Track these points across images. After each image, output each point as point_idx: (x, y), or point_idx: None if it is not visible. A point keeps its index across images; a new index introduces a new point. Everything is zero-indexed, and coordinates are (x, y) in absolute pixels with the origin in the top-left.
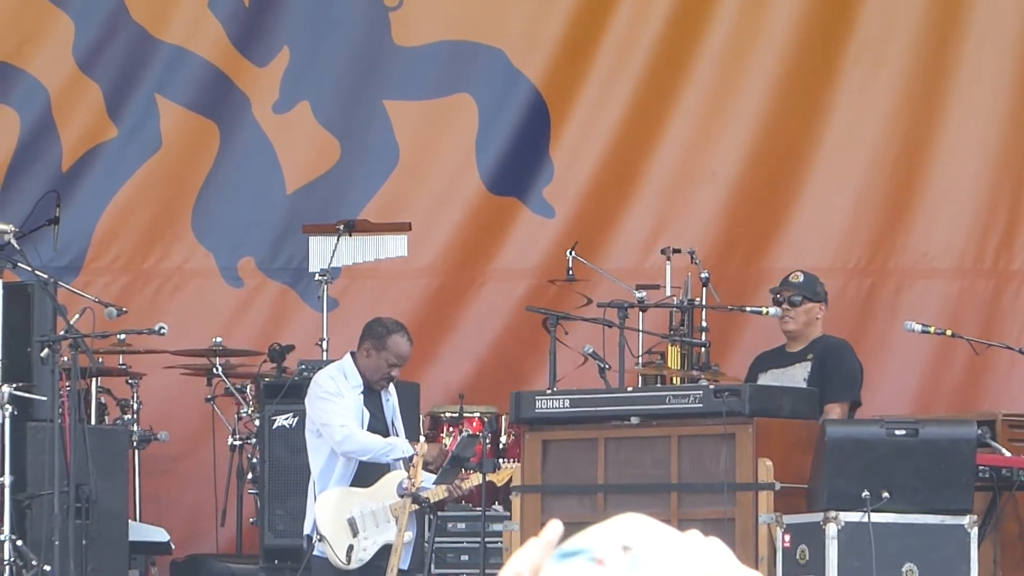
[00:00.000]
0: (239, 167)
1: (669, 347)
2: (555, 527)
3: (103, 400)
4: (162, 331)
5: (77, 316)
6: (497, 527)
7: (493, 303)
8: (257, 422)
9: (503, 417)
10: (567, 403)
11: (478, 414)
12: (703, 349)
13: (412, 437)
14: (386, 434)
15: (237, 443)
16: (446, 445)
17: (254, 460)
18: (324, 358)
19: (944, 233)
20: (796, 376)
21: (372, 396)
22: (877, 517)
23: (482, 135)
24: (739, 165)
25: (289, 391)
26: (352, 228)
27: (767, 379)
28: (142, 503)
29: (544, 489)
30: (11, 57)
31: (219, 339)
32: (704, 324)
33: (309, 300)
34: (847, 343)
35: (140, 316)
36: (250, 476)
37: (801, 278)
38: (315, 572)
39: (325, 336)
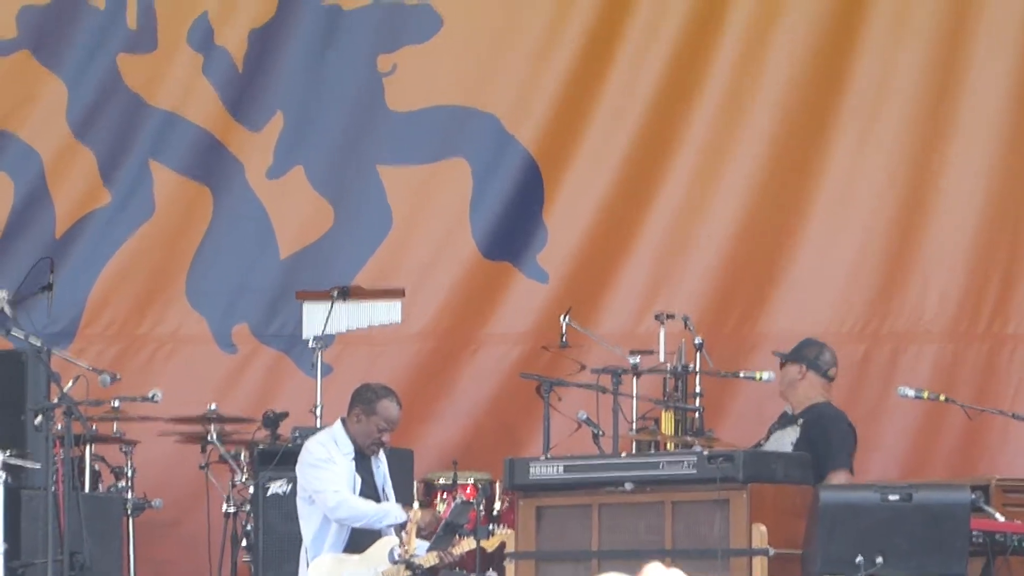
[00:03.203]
0: (233, 233)
1: (663, 413)
2: None
3: (97, 467)
4: (156, 398)
5: (71, 383)
6: None
7: (486, 368)
8: (251, 489)
9: (497, 483)
10: (561, 469)
11: (472, 480)
12: (697, 415)
13: (406, 503)
14: (377, 500)
15: (231, 510)
16: (440, 511)
17: (248, 527)
18: (318, 425)
19: (938, 297)
20: (785, 440)
21: (363, 462)
22: None
23: (475, 200)
24: (732, 230)
25: (283, 458)
26: (346, 294)
27: (771, 440)
28: (136, 570)
29: (538, 555)
30: (4, 122)
31: (213, 406)
32: (698, 390)
33: (303, 366)
34: (841, 412)
35: (134, 383)
36: (244, 543)
37: (800, 341)
38: None
39: (319, 403)
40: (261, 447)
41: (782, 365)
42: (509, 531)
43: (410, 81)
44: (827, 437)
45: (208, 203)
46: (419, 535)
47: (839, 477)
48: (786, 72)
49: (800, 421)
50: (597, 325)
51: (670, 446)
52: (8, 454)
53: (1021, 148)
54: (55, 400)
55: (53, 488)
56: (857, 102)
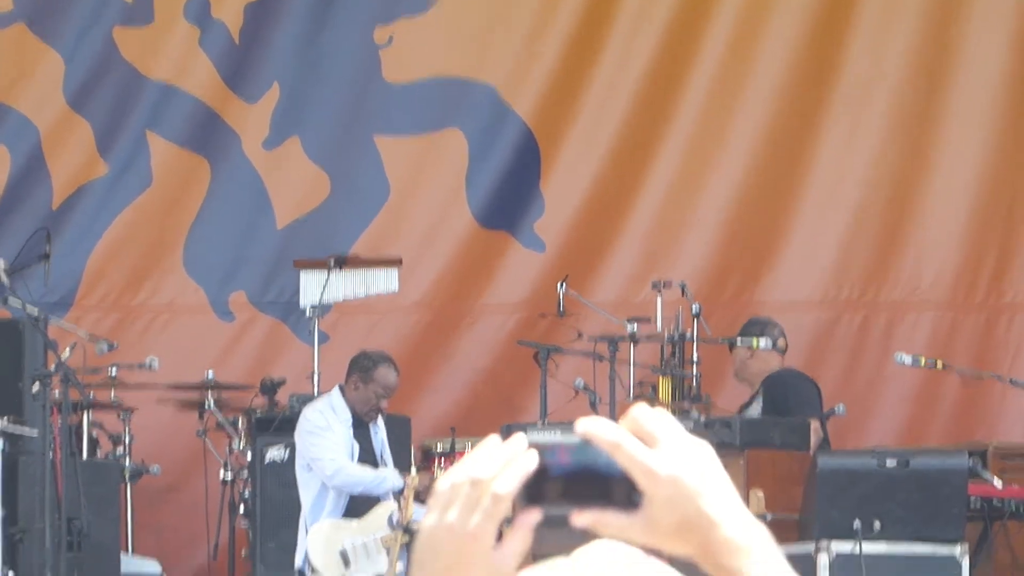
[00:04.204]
0: (229, 203)
1: (660, 380)
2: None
3: (95, 434)
4: (153, 365)
5: (68, 351)
6: None
7: (484, 337)
8: (249, 456)
9: None
10: (558, 436)
11: (469, 447)
12: (694, 382)
13: (404, 470)
14: (375, 467)
15: (229, 477)
16: (437, 476)
17: (246, 493)
18: (315, 392)
19: (935, 266)
20: (752, 416)
21: (361, 429)
22: (869, 547)
23: (472, 170)
24: (729, 198)
25: (280, 425)
26: (343, 263)
27: None
28: (134, 536)
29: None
30: (1, 95)
31: (211, 373)
32: (695, 357)
33: (300, 334)
34: (793, 370)
35: (131, 351)
36: (242, 509)
37: (744, 323)
38: None
39: (316, 370)
40: (258, 414)
41: (731, 350)
42: None
43: (407, 52)
44: (786, 395)
45: (205, 174)
46: (417, 500)
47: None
48: (783, 44)
49: (760, 392)
50: (594, 293)
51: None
52: (6, 421)
53: (1017, 118)
54: (52, 368)
55: (51, 455)
56: (855, 71)
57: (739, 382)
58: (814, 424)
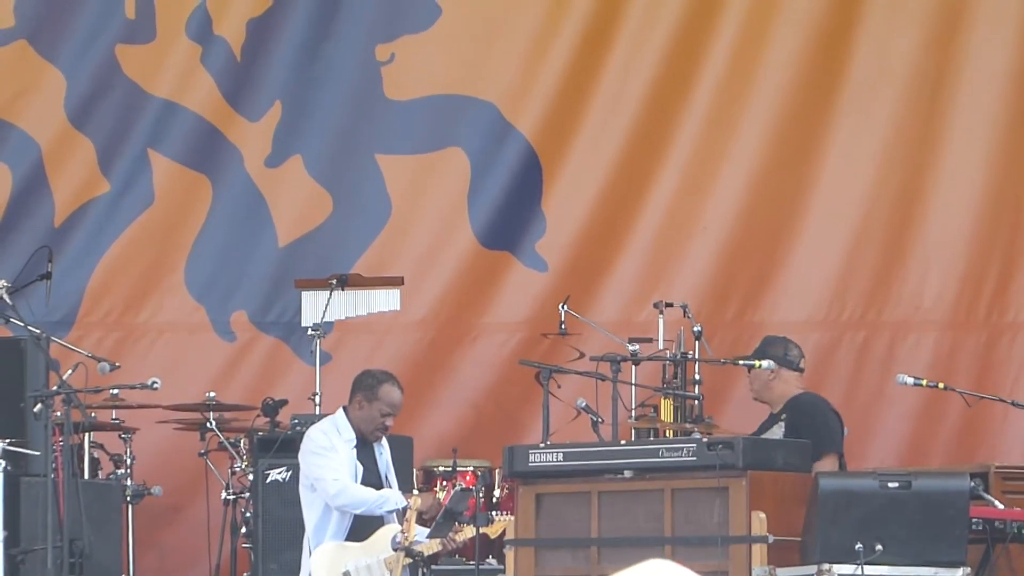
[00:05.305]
0: (231, 221)
1: (662, 400)
2: None
3: (96, 455)
4: (155, 385)
5: (70, 371)
6: None
7: (486, 356)
8: (251, 476)
9: (496, 471)
10: (560, 456)
11: (471, 468)
12: (696, 402)
13: (406, 491)
14: (380, 487)
15: (231, 497)
16: (439, 498)
17: (248, 514)
18: (317, 412)
19: (937, 285)
20: (774, 437)
21: (365, 450)
22: (870, 569)
23: (474, 189)
24: (731, 218)
25: (282, 445)
26: (345, 283)
27: None
28: (136, 557)
29: (538, 543)
30: (2, 112)
31: (212, 393)
32: (697, 377)
33: (302, 354)
34: (819, 398)
35: (133, 370)
36: (244, 530)
37: (761, 342)
38: None
39: (318, 390)
40: (260, 434)
41: (750, 371)
42: (510, 517)
43: (408, 70)
44: (812, 424)
45: (207, 192)
46: (419, 521)
47: (828, 462)
48: (783, 61)
49: (783, 416)
50: (596, 313)
51: (669, 433)
52: (8, 442)
53: (1020, 135)
54: (54, 388)
55: (53, 475)
56: (855, 89)
57: (757, 402)
58: (834, 458)
